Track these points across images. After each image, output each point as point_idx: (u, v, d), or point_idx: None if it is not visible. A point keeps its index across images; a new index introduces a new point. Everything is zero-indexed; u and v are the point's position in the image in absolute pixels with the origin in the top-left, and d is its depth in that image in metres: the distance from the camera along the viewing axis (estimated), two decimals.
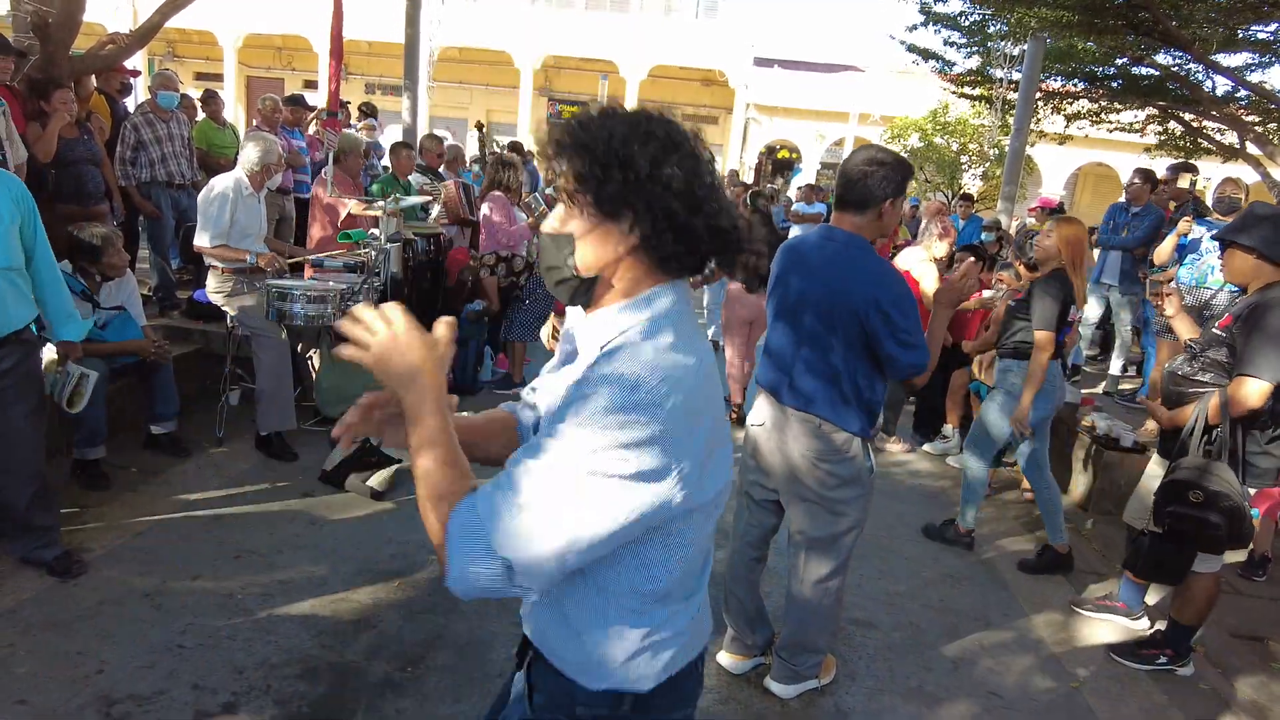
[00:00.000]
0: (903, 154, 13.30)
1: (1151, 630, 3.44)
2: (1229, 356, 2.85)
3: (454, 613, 3.09)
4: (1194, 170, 6.24)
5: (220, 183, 4.37)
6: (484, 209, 5.89)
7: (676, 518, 1.12)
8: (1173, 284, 3.21)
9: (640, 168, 1.11)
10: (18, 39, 5.36)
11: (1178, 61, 9.99)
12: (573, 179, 1.12)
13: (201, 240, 4.36)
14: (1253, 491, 2.94)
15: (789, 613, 2.79)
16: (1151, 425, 4.90)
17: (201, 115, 7.24)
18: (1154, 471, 3.33)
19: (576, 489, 1.03)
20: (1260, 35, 8.96)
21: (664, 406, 1.04)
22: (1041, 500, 4.06)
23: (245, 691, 2.56)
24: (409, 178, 6.34)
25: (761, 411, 2.73)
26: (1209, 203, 5.97)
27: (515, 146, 11.70)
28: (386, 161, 8.90)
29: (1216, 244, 5.52)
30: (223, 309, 4.49)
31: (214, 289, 4.46)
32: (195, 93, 7.62)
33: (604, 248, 1.14)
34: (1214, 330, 2.95)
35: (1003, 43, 10.88)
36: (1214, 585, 3.11)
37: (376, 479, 4.00)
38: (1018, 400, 3.84)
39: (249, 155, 4.44)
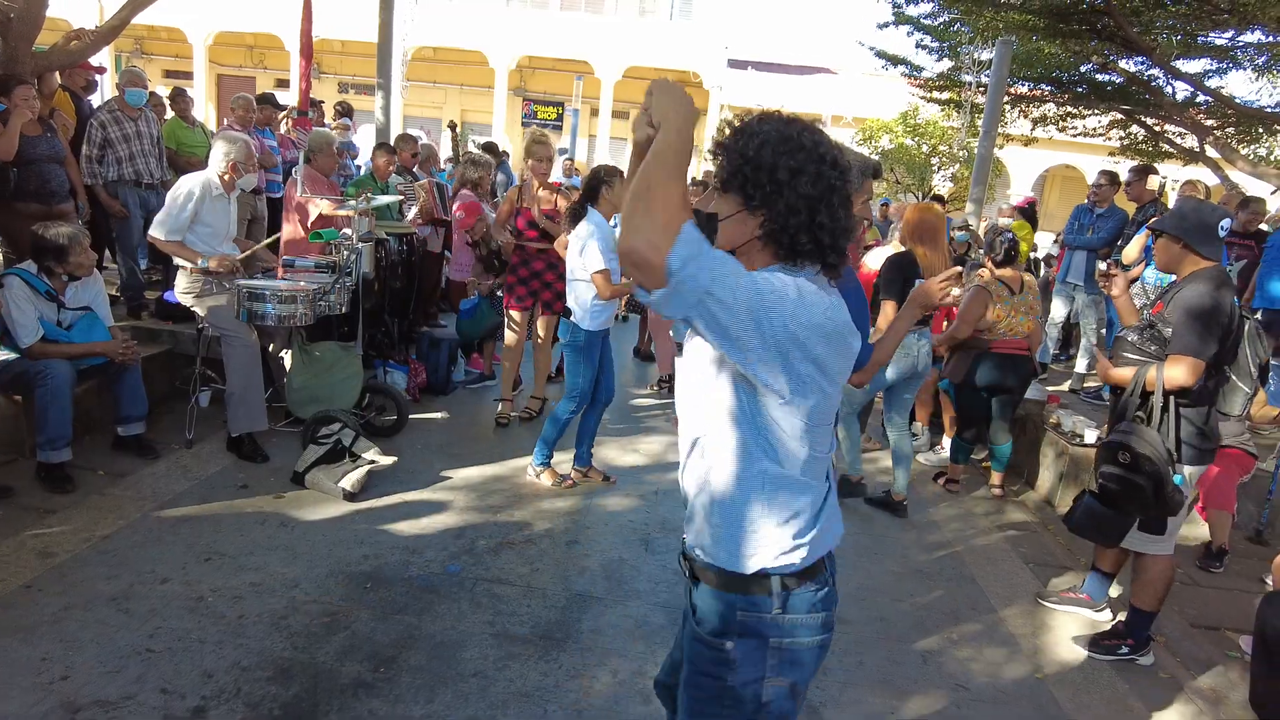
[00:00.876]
0: (874, 155, 13.48)
1: (1114, 622, 3.52)
2: (1166, 339, 3.04)
3: (426, 613, 3.09)
4: (1155, 172, 6.40)
5: (190, 181, 4.32)
6: (455, 209, 5.89)
7: (793, 399, 1.36)
8: (1116, 269, 3.51)
9: (780, 174, 1.35)
10: None
11: (1140, 67, 10.22)
12: (723, 174, 1.40)
13: (157, 232, 4.31)
14: (1188, 471, 3.06)
15: None
16: None
17: (170, 114, 7.15)
18: None
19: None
20: (1218, 41, 9.19)
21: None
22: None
23: (215, 695, 2.54)
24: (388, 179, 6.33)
25: None
26: (1172, 206, 6.11)
27: (489, 147, 11.68)
28: (361, 160, 8.87)
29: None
30: (192, 310, 4.44)
31: (183, 289, 4.41)
32: (165, 90, 7.52)
33: (739, 231, 1.41)
34: (1150, 315, 3.15)
35: (970, 46, 11.06)
36: (1168, 569, 3.21)
37: (349, 480, 3.98)
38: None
39: (218, 154, 4.40)
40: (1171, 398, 3.00)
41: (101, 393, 4.29)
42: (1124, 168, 9.80)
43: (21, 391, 3.88)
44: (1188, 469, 3.06)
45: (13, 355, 3.80)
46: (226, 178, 4.41)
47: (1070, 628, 3.54)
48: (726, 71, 24.76)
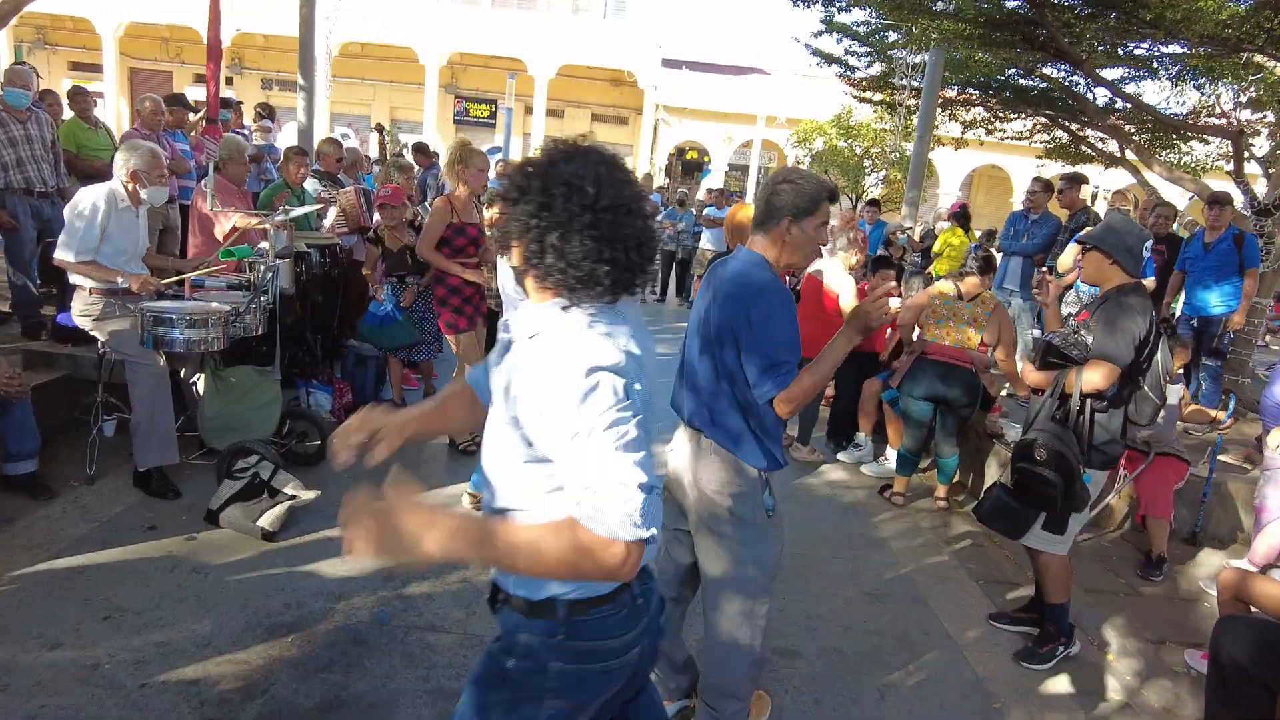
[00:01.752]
0: (808, 157, 13.49)
1: (1039, 630, 3.53)
2: (1088, 344, 3.20)
3: (354, 669, 2.85)
4: (1086, 180, 6.52)
5: (91, 194, 3.90)
6: (376, 217, 5.58)
7: None
8: (1050, 275, 3.76)
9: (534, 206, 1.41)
10: None
11: (1062, 74, 10.49)
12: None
13: (64, 255, 3.88)
14: (1094, 473, 3.21)
15: (706, 654, 2.67)
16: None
17: (69, 113, 6.64)
18: None
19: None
20: (1137, 51, 9.48)
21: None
22: None
23: None
24: (303, 185, 5.97)
25: (678, 440, 2.63)
26: (1102, 214, 6.23)
27: (420, 147, 11.30)
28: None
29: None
30: (91, 334, 4.07)
31: (80, 311, 4.03)
32: (69, 85, 6.98)
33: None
34: (1074, 322, 3.34)
35: (903, 51, 11.19)
36: (1065, 562, 3.38)
37: (267, 518, 3.69)
38: None
39: (119, 163, 4.01)
40: (1087, 401, 3.14)
41: None
42: (1050, 170, 10.02)
43: None
44: (1094, 472, 3.20)
45: None
46: (130, 188, 4.03)
47: (1010, 640, 3.51)
48: (661, 71, 24.73)
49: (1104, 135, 11.13)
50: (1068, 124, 11.65)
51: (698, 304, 2.55)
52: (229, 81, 22.96)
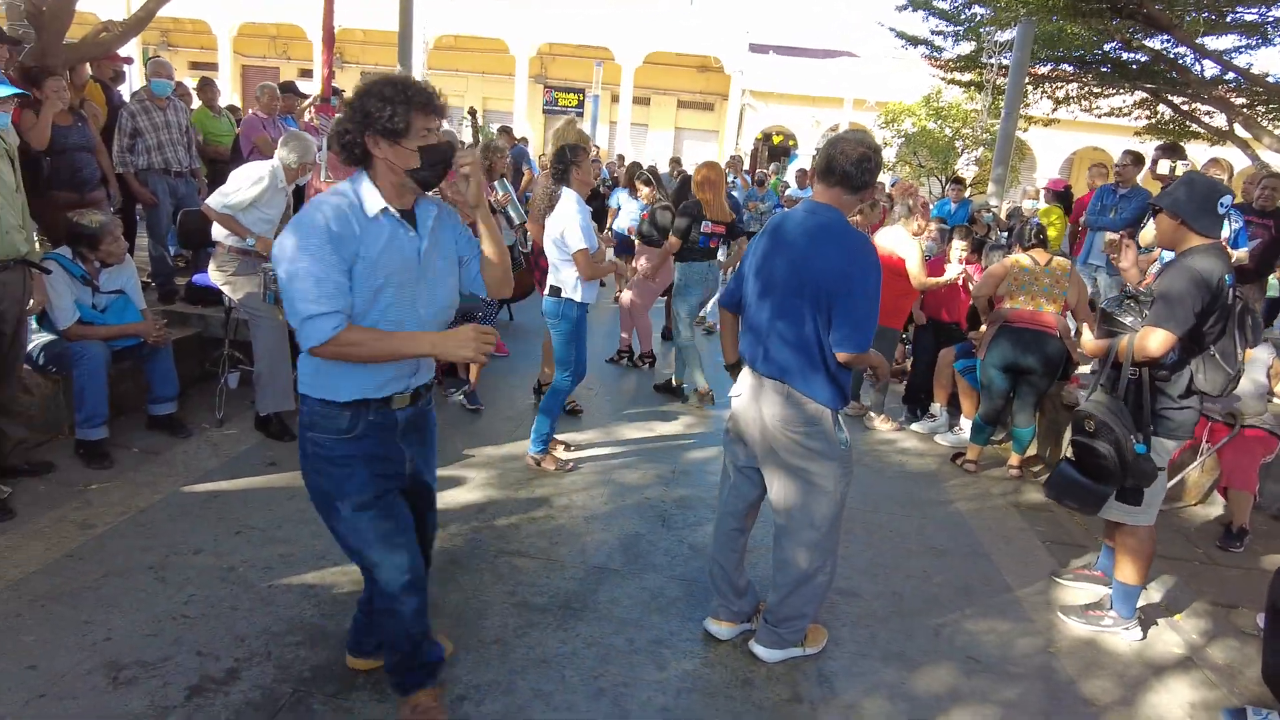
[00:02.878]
0: (898, 139, 13.27)
1: (1102, 600, 3.53)
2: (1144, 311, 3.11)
3: (449, 583, 3.19)
4: (1180, 153, 6.31)
5: (259, 169, 4.48)
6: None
7: None
8: (1128, 240, 3.61)
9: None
10: (12, 27, 5.41)
11: (1165, 45, 10.05)
12: None
13: (213, 201, 4.42)
14: (1168, 444, 3.11)
15: (775, 581, 2.88)
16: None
17: (197, 103, 7.29)
18: None
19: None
20: (1247, 17, 9.01)
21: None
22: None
23: (247, 658, 2.65)
24: None
25: (742, 382, 2.84)
26: None
27: (505, 129, 11.81)
28: None
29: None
30: (222, 291, 4.56)
31: (215, 269, 4.53)
32: (192, 81, 7.66)
33: None
34: (1140, 288, 3.23)
35: (991, 28, 10.93)
36: (1148, 540, 3.24)
37: None
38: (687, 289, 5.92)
39: (291, 154, 4.53)
40: (1144, 369, 3.03)
41: (135, 374, 4.42)
42: (1150, 148, 9.65)
43: (61, 372, 4.02)
44: (1166, 441, 3.10)
45: (52, 337, 3.94)
46: (292, 173, 4.59)
47: (1079, 603, 3.57)
48: (747, 56, 24.63)
49: (1211, 109, 10.61)
50: (1171, 98, 11.15)
51: (767, 249, 2.72)
52: (331, 74, 24.16)
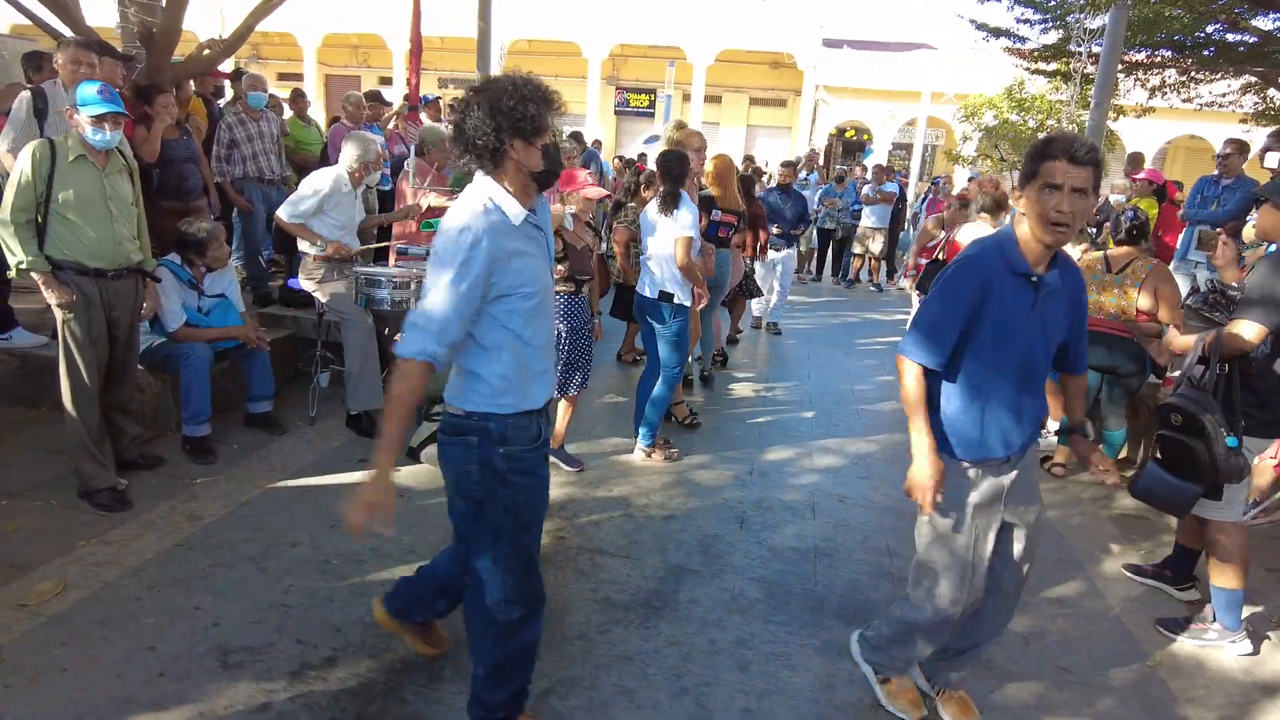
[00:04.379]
0: (978, 133, 12.82)
1: (1194, 600, 3.41)
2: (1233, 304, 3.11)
3: None
4: None
5: (321, 176, 4.63)
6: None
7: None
8: (1225, 235, 3.50)
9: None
10: (126, 48, 5.75)
11: (1278, 25, 9.46)
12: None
13: (282, 213, 4.61)
14: (1261, 442, 3.08)
15: (977, 630, 2.59)
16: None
17: (288, 113, 7.62)
18: None
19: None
20: None
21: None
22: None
23: (344, 647, 2.77)
24: None
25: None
26: None
27: (575, 136, 11.92)
28: None
29: None
30: (313, 295, 4.76)
31: (305, 276, 4.73)
32: (280, 92, 8.01)
33: None
34: (1234, 283, 3.23)
35: (1081, 15, 10.48)
36: (1239, 537, 3.09)
37: None
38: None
39: (349, 154, 4.68)
40: (1233, 364, 2.95)
41: (234, 374, 4.66)
42: (1258, 137, 9.12)
43: (169, 372, 4.27)
44: (1253, 439, 3.01)
45: (162, 338, 4.19)
46: (356, 175, 4.71)
47: (1176, 612, 3.41)
48: (821, 51, 24.26)
49: None
50: None
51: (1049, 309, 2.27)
52: (408, 82, 24.87)
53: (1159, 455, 3.11)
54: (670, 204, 4.36)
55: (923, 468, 2.28)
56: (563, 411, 4.41)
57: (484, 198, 2.02)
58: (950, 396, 2.31)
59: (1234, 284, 3.11)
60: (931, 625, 2.49)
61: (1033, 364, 2.25)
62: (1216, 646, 3.17)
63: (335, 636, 2.83)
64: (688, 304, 4.47)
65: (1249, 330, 2.86)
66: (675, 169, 4.43)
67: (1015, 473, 2.37)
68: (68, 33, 5.21)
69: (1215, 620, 3.20)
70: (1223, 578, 3.14)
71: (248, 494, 3.84)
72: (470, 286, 1.94)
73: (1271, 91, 11.06)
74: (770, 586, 3.37)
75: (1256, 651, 3.17)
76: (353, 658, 2.72)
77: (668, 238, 4.36)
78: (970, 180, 10.26)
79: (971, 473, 2.33)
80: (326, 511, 3.72)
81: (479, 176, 2.07)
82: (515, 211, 2.03)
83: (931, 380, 2.32)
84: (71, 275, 3.47)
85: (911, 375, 2.29)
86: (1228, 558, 3.11)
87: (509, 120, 1.97)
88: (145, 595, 2.96)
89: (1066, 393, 2.52)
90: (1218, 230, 4.15)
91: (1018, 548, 2.46)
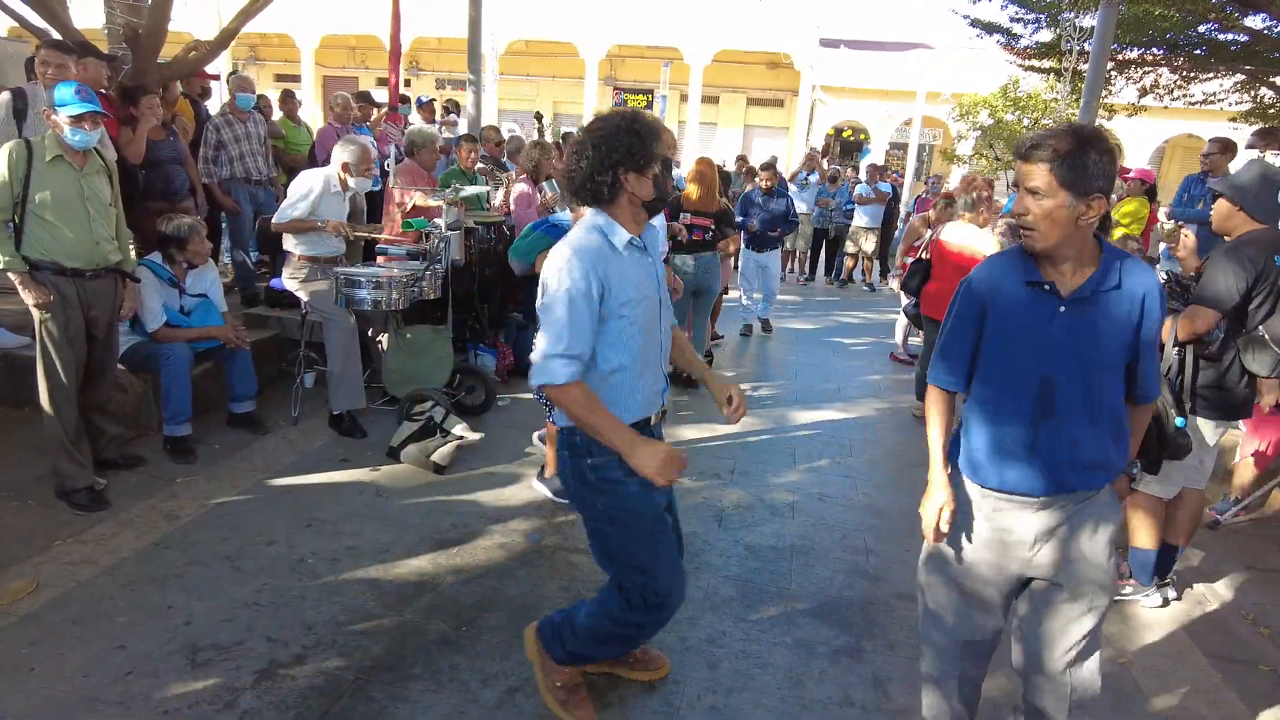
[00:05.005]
0: (973, 132, 12.80)
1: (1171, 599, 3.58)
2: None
3: (508, 577, 3.27)
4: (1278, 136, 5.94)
5: (311, 177, 4.63)
6: (511, 198, 6.03)
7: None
8: (1187, 228, 3.66)
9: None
10: (112, 49, 5.77)
11: (1268, 24, 9.47)
12: None
13: (278, 218, 4.60)
14: (1211, 426, 3.23)
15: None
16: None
17: (278, 114, 7.63)
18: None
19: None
20: None
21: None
22: None
23: (314, 645, 2.78)
24: (474, 169, 6.56)
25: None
26: None
27: (567, 137, 11.92)
28: None
29: None
30: (297, 295, 4.77)
31: (289, 275, 4.74)
32: (275, 93, 8.02)
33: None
34: (1194, 271, 3.32)
35: (1071, 13, 10.49)
36: (1160, 509, 3.37)
37: (439, 454, 4.21)
38: None
39: (340, 157, 4.69)
40: (1188, 347, 3.12)
41: (216, 374, 4.67)
42: (1244, 136, 9.11)
43: (149, 372, 4.28)
44: (1203, 421, 3.21)
45: (142, 338, 4.20)
46: (342, 177, 4.72)
47: (1148, 612, 3.42)
48: (818, 51, 24.26)
49: None
50: (1275, 80, 10.50)
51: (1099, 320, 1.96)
52: (407, 83, 24.88)
53: None
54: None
55: (929, 493, 2.15)
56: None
57: (595, 228, 2.15)
58: (968, 419, 2.12)
59: (1191, 273, 3.24)
60: (933, 672, 2.30)
61: (1057, 386, 1.94)
62: (1133, 601, 3.48)
63: (306, 634, 2.83)
64: None
65: (1197, 315, 3.05)
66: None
67: (1060, 524, 2.02)
68: (55, 34, 5.22)
69: (1131, 576, 3.49)
70: (1139, 539, 3.43)
71: (227, 493, 3.85)
72: (577, 297, 2.05)
73: (1263, 89, 11.07)
74: (744, 585, 3.38)
75: (1164, 604, 3.48)
76: (322, 655, 2.73)
77: None
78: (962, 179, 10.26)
79: (984, 502, 2.09)
80: (305, 511, 3.73)
81: (591, 211, 2.18)
82: (620, 237, 2.14)
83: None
84: (49, 275, 3.48)
85: (931, 397, 2.16)
86: (1145, 522, 3.40)
87: (629, 158, 2.09)
88: (119, 594, 2.97)
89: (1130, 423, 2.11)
90: (1179, 223, 4.24)
91: (1059, 623, 2.07)
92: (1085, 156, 1.82)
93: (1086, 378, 1.94)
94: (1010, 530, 2.06)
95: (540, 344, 2.08)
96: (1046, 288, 1.95)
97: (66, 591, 2.97)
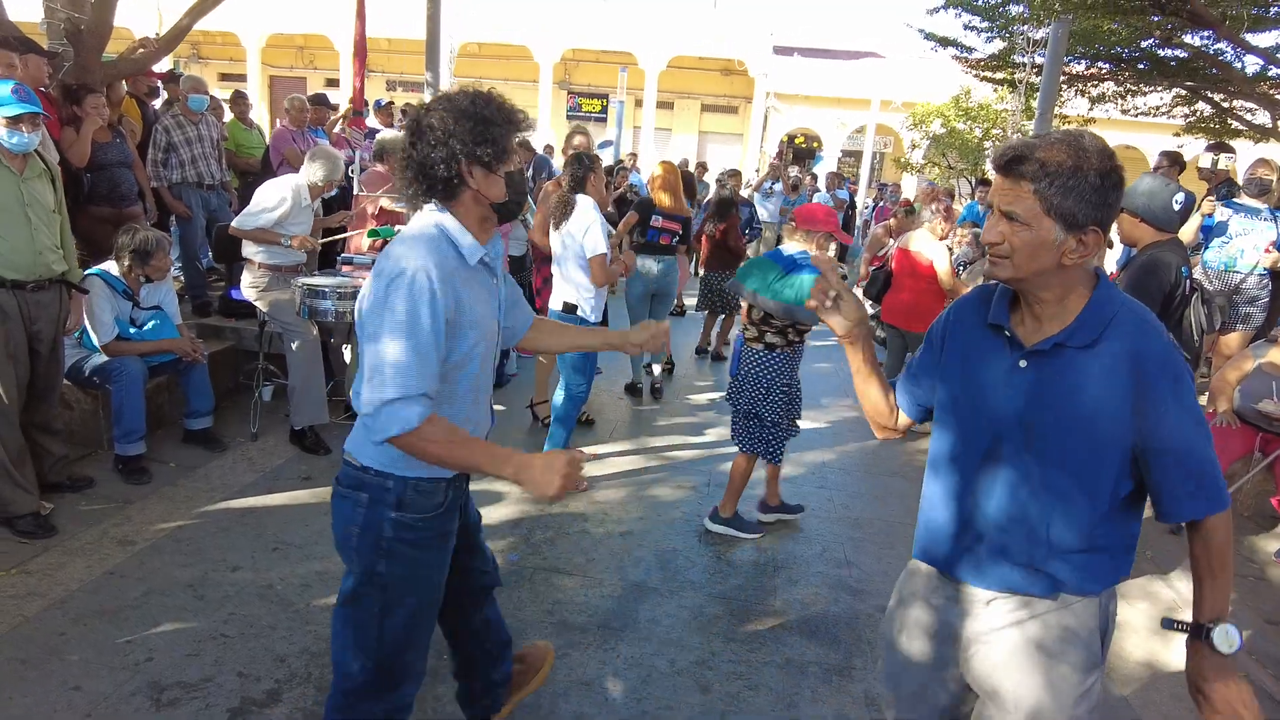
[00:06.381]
0: (925, 140, 13.02)
1: None
2: None
3: None
4: (1229, 150, 6.13)
5: (281, 186, 4.44)
6: None
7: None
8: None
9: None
10: (52, 45, 5.48)
11: (1205, 42, 9.81)
12: None
13: (241, 223, 4.40)
14: None
15: None
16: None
17: (229, 116, 7.36)
18: None
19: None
20: None
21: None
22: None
23: (288, 679, 2.63)
24: None
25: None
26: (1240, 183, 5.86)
27: (523, 144, 11.77)
28: None
29: (1245, 227, 5.47)
30: (255, 305, 4.57)
31: (248, 284, 4.54)
32: (221, 93, 7.74)
33: None
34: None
35: (1024, 26, 10.74)
36: None
37: None
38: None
39: (316, 172, 4.51)
40: None
41: (170, 388, 4.45)
42: (1190, 149, 9.42)
43: (99, 388, 4.05)
44: None
45: (91, 352, 3.97)
46: (317, 189, 4.56)
47: (1130, 620, 3.46)
48: (771, 58, 24.50)
49: (1253, 106, 10.34)
50: (1211, 96, 10.89)
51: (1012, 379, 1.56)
52: None
53: None
54: (565, 207, 4.22)
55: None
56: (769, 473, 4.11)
57: (434, 229, 1.75)
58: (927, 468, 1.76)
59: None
60: None
61: (1003, 458, 1.54)
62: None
63: (279, 667, 2.68)
64: (592, 321, 4.22)
65: None
66: (573, 171, 4.28)
67: (1000, 629, 1.59)
68: None
69: None
70: None
71: (185, 516, 3.65)
72: (419, 324, 1.62)
73: (1201, 104, 11.48)
74: (729, 603, 3.32)
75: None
76: (298, 689, 2.59)
77: (571, 240, 4.16)
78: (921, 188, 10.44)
79: (924, 577, 1.74)
80: (270, 533, 3.56)
81: (428, 208, 1.79)
82: (471, 249, 1.77)
83: None
84: None
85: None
86: None
87: (473, 145, 1.71)
88: (70, 629, 2.78)
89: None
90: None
91: None
92: (1084, 177, 1.40)
93: (1040, 454, 1.50)
94: (945, 620, 1.67)
95: (376, 386, 1.61)
96: (1007, 334, 1.55)
97: (13, 628, 2.76)
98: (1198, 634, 1.49)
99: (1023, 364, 1.52)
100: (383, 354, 1.62)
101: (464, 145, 1.71)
